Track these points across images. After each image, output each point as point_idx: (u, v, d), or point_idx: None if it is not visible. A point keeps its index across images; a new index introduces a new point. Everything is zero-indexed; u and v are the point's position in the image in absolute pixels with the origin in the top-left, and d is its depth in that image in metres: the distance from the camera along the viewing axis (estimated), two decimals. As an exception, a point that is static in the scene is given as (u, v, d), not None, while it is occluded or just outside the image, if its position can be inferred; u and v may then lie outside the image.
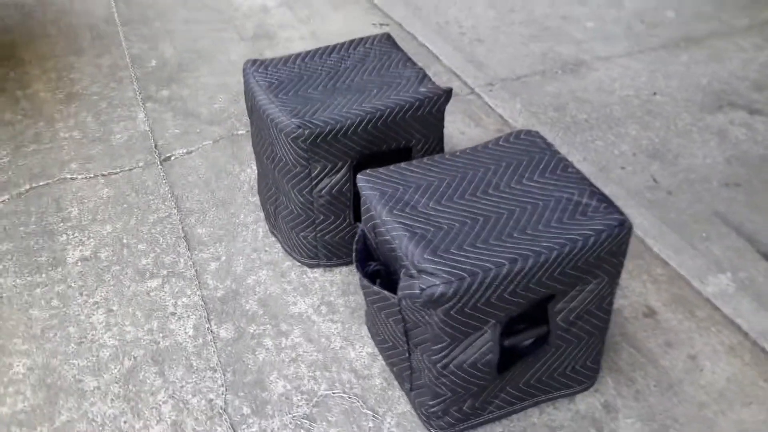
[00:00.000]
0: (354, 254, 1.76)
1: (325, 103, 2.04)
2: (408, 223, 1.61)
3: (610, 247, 1.57)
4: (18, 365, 1.99)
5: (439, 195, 1.69)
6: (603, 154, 2.70)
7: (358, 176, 1.77)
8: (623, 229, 1.57)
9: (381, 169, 1.79)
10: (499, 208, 1.64)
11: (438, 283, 1.47)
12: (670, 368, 1.92)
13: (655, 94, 3.05)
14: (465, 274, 1.47)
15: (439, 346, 1.57)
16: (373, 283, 1.69)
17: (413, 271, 1.52)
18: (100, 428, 1.83)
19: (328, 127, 1.94)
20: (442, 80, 3.18)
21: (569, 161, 1.78)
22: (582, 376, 1.80)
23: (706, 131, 2.82)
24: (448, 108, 3.01)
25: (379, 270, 1.76)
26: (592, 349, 1.76)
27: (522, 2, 3.84)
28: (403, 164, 1.81)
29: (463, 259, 1.51)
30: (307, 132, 1.93)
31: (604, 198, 1.65)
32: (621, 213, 1.60)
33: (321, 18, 3.75)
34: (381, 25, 3.66)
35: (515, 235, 1.57)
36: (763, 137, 2.77)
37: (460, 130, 2.84)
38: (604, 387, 1.87)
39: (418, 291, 1.49)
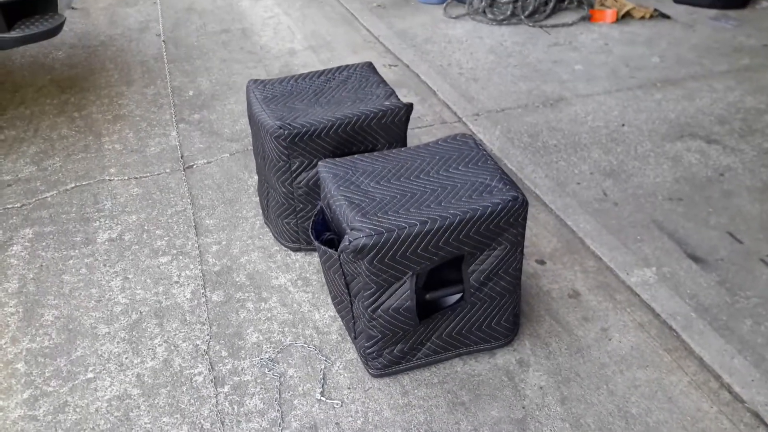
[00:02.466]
0: (311, 224, 2.17)
1: (306, 112, 2.49)
2: (349, 196, 2.02)
3: (507, 218, 1.94)
4: (48, 315, 2.45)
5: (380, 178, 2.10)
6: (563, 172, 3.06)
7: (320, 163, 2.20)
8: (516, 202, 1.94)
9: (338, 159, 2.21)
10: (424, 188, 2.04)
11: (362, 236, 1.86)
12: (582, 337, 2.24)
13: (623, 125, 3.41)
14: (384, 230, 1.87)
15: (369, 292, 1.96)
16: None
17: (347, 230, 1.93)
18: (106, 362, 2.26)
19: (304, 129, 2.38)
20: (435, 111, 3.62)
21: (491, 157, 2.17)
22: (498, 333, 2.14)
23: (662, 156, 3.15)
24: (436, 132, 3.43)
25: (333, 239, 2.17)
26: (504, 310, 2.11)
27: (520, 48, 4.27)
28: (357, 156, 2.23)
29: (385, 220, 1.90)
30: (286, 132, 2.38)
31: (509, 182, 2.03)
32: (518, 191, 1.97)
33: (340, 60, 4.26)
34: (391, 66, 4.14)
35: (432, 205, 1.96)
36: (714, 162, 3.09)
37: (441, 149, 3.25)
38: (521, 348, 2.21)
39: (347, 243, 1.89)
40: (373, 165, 2.16)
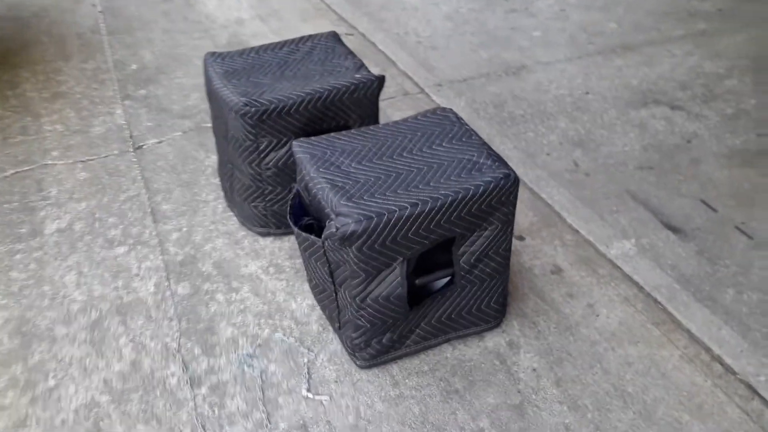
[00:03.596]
0: (288, 209, 2.03)
1: (272, 87, 2.33)
2: (330, 178, 1.89)
3: (499, 196, 1.85)
4: (-3, 316, 2.26)
5: (361, 157, 1.97)
6: (532, 143, 3.00)
7: (294, 143, 2.06)
8: (508, 180, 1.85)
9: (313, 138, 2.07)
10: (409, 167, 1.93)
11: (350, 222, 1.74)
12: (569, 314, 2.19)
13: (587, 93, 3.36)
14: (373, 215, 1.75)
15: (357, 280, 1.84)
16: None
17: (332, 215, 1.80)
18: (68, 366, 2.09)
19: (272, 106, 2.23)
20: (396, 81, 3.49)
21: (475, 132, 2.07)
22: (488, 316, 2.07)
23: (628, 124, 3.12)
24: (400, 104, 3.31)
25: (312, 224, 2.04)
26: (494, 291, 2.03)
27: (476, 15, 4.16)
28: (333, 134, 2.09)
29: (373, 204, 1.78)
30: (253, 109, 2.22)
31: (498, 158, 1.94)
32: (509, 169, 1.88)
33: (291, 29, 4.07)
34: (346, 35, 3.97)
35: (420, 186, 1.85)
36: (680, 129, 3.07)
37: (407, 122, 3.13)
38: (510, 329, 2.14)
39: (334, 230, 1.76)
40: (352, 143, 2.03)
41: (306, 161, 1.98)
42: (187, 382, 2.03)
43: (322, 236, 1.85)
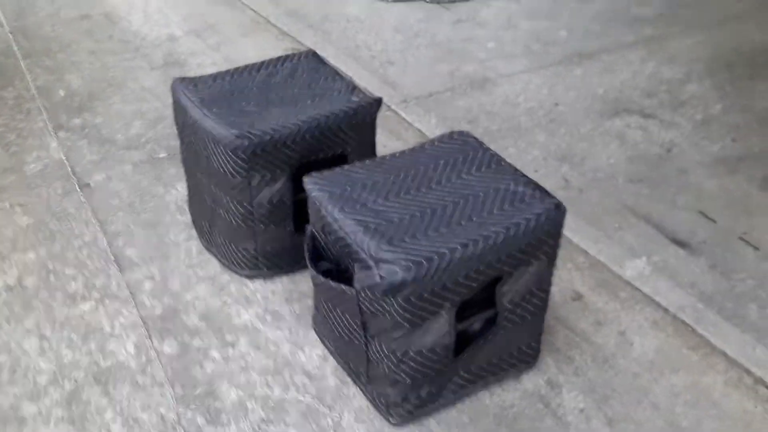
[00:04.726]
0: (306, 253, 1.80)
1: (261, 115, 2.08)
2: (360, 218, 1.67)
3: (548, 229, 1.69)
4: (-53, 400, 1.89)
5: (386, 192, 1.76)
6: (517, 160, 2.86)
7: (305, 179, 1.82)
8: (559, 212, 1.70)
9: (326, 172, 1.85)
10: (443, 200, 1.74)
11: (398, 270, 1.53)
12: (603, 345, 2.06)
13: (557, 104, 3.27)
14: (422, 260, 1.55)
15: (399, 333, 1.63)
16: (325, 281, 1.73)
17: (371, 263, 1.58)
18: (47, 454, 1.76)
19: (268, 137, 1.98)
20: (358, 99, 3.28)
21: (501, 156, 1.90)
22: (526, 356, 1.90)
23: (606, 135, 3.05)
24: (368, 124, 3.11)
25: (330, 269, 1.81)
26: (534, 329, 1.87)
27: (425, 26, 4.02)
28: (346, 166, 1.87)
29: (418, 247, 1.58)
30: (246, 143, 1.96)
31: (537, 186, 1.78)
32: (554, 198, 1.73)
33: (231, 45, 3.78)
34: (293, 50, 3.73)
35: (462, 222, 1.66)
36: (656, 137, 3.03)
37: (383, 143, 2.92)
38: (545, 366, 1.99)
39: (378, 279, 1.55)
40: (371, 176, 1.82)
41: (324, 200, 1.74)
42: (197, 461, 1.75)
43: (358, 286, 1.63)
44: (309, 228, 1.83)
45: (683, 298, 2.21)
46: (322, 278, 1.73)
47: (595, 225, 2.51)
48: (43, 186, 2.69)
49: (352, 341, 1.80)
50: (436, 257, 1.55)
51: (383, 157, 1.91)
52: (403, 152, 1.93)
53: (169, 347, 2.05)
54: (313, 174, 1.83)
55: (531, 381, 1.94)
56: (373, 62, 3.61)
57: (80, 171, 2.78)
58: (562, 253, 2.35)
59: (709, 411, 1.87)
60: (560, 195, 2.63)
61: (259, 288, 2.24)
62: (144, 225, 2.50)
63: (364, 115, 2.13)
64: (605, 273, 2.31)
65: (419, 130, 3.06)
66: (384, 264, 1.55)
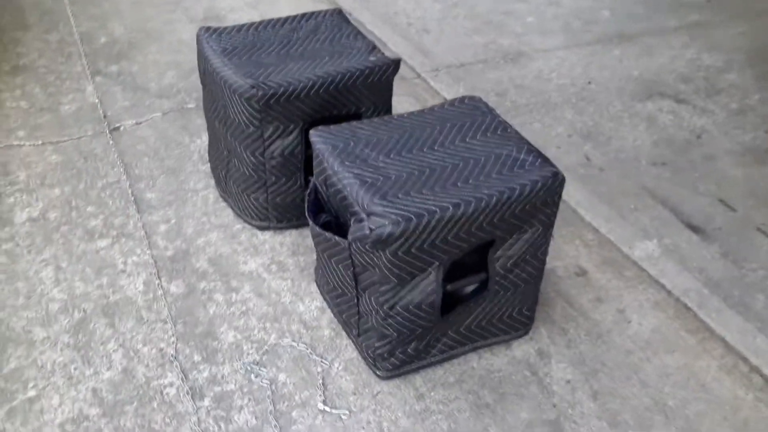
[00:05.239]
0: (306, 204, 1.84)
1: (279, 68, 2.12)
2: (358, 172, 1.70)
3: (545, 197, 1.70)
4: (-36, 318, 2.00)
5: (388, 149, 1.79)
6: (540, 135, 2.85)
7: (311, 132, 1.85)
8: (556, 180, 1.70)
9: (333, 127, 1.88)
10: (443, 162, 1.75)
11: (387, 223, 1.56)
12: (600, 321, 2.06)
13: (589, 83, 3.23)
14: (412, 216, 1.57)
15: (387, 287, 1.66)
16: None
17: (363, 215, 1.61)
18: (50, 374, 1.85)
19: (281, 89, 2.02)
20: (389, 65, 3.29)
21: (508, 123, 1.90)
22: (518, 323, 1.92)
23: (636, 117, 3.00)
24: (396, 89, 3.11)
25: (330, 221, 1.84)
26: (527, 297, 1.88)
27: (466, -3, 3.99)
28: (354, 122, 1.90)
29: (410, 203, 1.60)
30: (260, 93, 2.00)
31: (539, 154, 1.78)
32: (554, 167, 1.73)
33: (270, 4, 3.82)
34: (330, 13, 3.75)
35: (459, 184, 1.67)
36: (687, 123, 2.97)
37: (406, 109, 2.93)
38: (538, 336, 2.00)
39: (367, 231, 1.58)
40: (377, 134, 1.84)
41: (327, 153, 1.78)
42: (187, 393, 1.82)
43: (350, 237, 1.66)
44: (312, 180, 1.87)
45: (689, 281, 2.19)
46: (318, 229, 1.77)
47: (610, 204, 2.49)
48: (75, 127, 2.78)
49: (345, 293, 1.84)
50: (426, 214, 1.57)
51: (392, 117, 1.93)
52: (412, 113, 1.95)
53: (176, 287, 2.12)
54: (320, 128, 1.86)
55: (521, 349, 1.96)
56: (409, 29, 3.61)
57: (111, 115, 2.86)
58: (571, 230, 2.36)
59: (698, 393, 1.86)
60: (579, 172, 2.63)
61: (268, 239, 2.29)
62: (166, 171, 2.57)
63: (380, 75, 2.14)
64: (613, 252, 2.29)
65: (445, 99, 3.05)
66: (375, 217, 1.58)
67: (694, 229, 2.41)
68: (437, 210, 1.59)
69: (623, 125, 2.95)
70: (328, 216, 1.85)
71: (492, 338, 1.91)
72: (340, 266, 1.78)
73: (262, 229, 2.31)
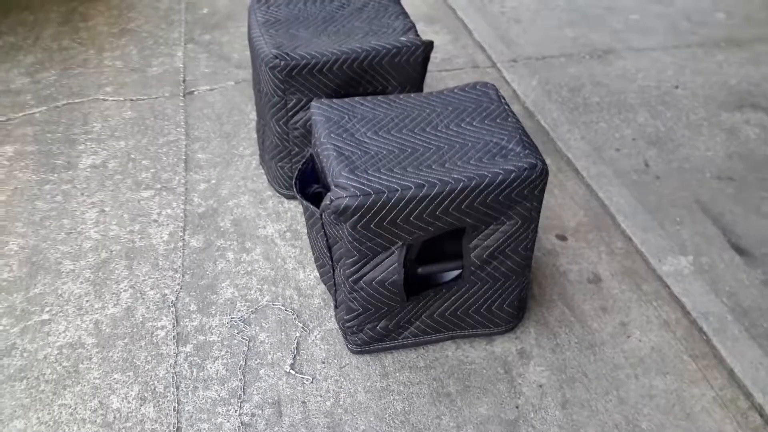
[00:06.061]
0: (297, 173, 1.89)
1: (309, 41, 2.18)
2: (339, 145, 1.73)
3: (521, 188, 1.63)
4: (13, 244, 2.24)
5: (379, 127, 1.79)
6: (602, 135, 2.71)
7: (312, 103, 1.90)
8: (533, 171, 1.63)
9: (335, 100, 1.91)
10: (428, 143, 1.73)
11: (345, 195, 1.58)
12: (597, 330, 1.95)
13: (676, 87, 3.02)
14: (371, 191, 1.58)
15: (351, 260, 1.68)
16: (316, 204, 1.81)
17: (332, 186, 1.64)
18: (65, 303, 2.04)
19: (304, 61, 2.08)
20: (467, 52, 3.26)
21: (513, 113, 1.84)
22: (498, 319, 1.86)
23: (716, 127, 2.78)
24: (464, 77, 3.09)
25: (320, 192, 1.89)
26: (508, 293, 1.82)
27: (572, -10, 3.84)
28: (357, 98, 1.92)
29: (374, 179, 1.61)
30: (282, 63, 2.07)
31: (530, 146, 1.71)
32: (537, 158, 1.66)
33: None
34: (426, -2, 3.76)
35: (433, 166, 1.66)
36: (775, 139, 2.71)
37: (467, 97, 2.91)
38: (525, 336, 1.93)
39: (328, 202, 1.61)
40: (375, 111, 1.85)
41: (320, 124, 1.82)
42: (174, 338, 1.94)
43: (321, 206, 1.70)
44: (309, 149, 1.92)
45: (714, 305, 2.01)
46: (299, 197, 1.82)
47: (654, 214, 2.34)
48: (155, 87, 3.01)
49: (324, 264, 1.88)
50: (386, 191, 1.57)
51: (398, 96, 1.93)
52: (419, 94, 1.94)
53: (195, 241, 2.26)
54: (323, 100, 1.90)
55: (503, 346, 1.90)
56: (500, 18, 3.54)
57: (190, 80, 3.06)
58: (600, 235, 2.25)
59: (679, 420, 1.72)
60: (631, 178, 2.49)
61: (292, 208, 2.37)
62: (222, 135, 2.72)
63: (408, 56, 2.14)
64: (638, 263, 2.16)
65: (514, 91, 2.98)
66: (337, 189, 1.60)
67: (740, 250, 2.20)
68: (398, 189, 1.58)
69: (699, 134, 2.73)
70: (319, 187, 1.89)
71: (469, 330, 1.87)
72: (318, 236, 1.82)
73: (288, 197, 2.39)
